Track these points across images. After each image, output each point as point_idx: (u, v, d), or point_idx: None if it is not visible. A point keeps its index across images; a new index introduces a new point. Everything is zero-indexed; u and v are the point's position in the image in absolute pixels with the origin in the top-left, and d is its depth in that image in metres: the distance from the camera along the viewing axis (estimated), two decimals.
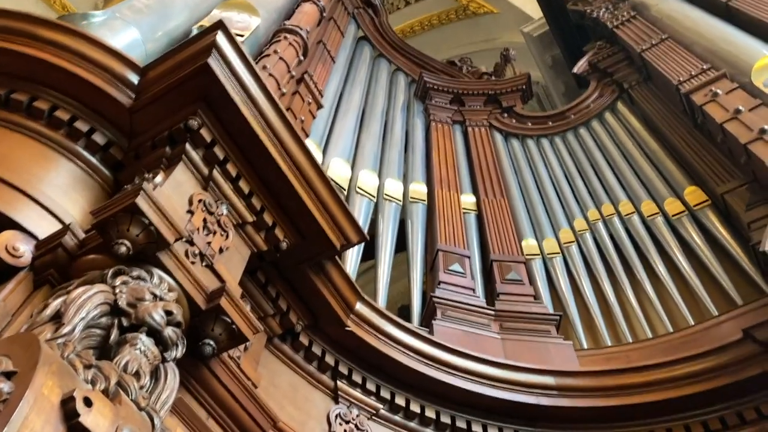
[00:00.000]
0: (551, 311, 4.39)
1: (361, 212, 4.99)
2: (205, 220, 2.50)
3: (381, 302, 4.07)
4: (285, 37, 4.92)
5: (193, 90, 2.61)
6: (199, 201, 2.52)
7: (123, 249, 2.03)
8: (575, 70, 7.59)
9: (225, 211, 2.64)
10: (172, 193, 2.38)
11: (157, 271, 2.14)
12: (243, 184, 2.73)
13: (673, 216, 4.97)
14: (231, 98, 2.61)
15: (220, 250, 2.51)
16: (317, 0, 6.19)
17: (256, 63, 4.40)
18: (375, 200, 5.28)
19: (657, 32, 6.56)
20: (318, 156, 5.14)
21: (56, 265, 2.13)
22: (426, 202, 5.61)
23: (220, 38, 2.62)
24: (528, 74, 7.84)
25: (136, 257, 2.11)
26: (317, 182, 2.90)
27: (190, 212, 2.44)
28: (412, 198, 5.62)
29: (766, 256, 3.12)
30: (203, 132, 2.60)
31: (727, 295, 4.18)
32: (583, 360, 3.92)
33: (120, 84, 2.67)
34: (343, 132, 5.78)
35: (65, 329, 1.75)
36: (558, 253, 5.10)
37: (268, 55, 4.55)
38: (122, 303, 1.92)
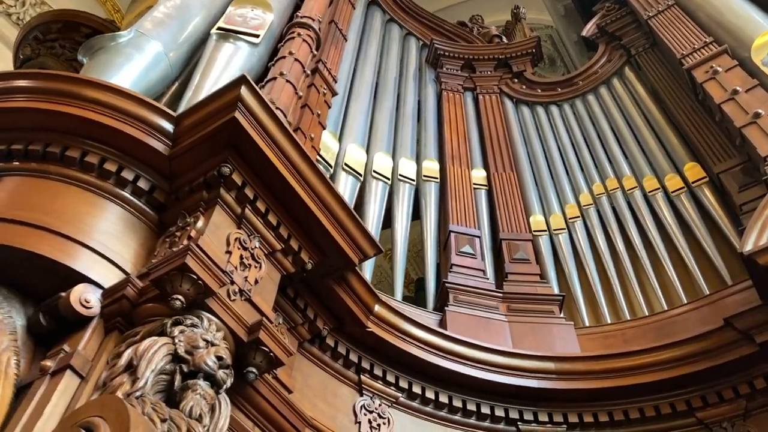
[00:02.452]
0: (556, 291, 4.77)
1: (377, 197, 5.33)
2: (241, 257, 2.87)
3: (398, 295, 4.47)
4: (298, 34, 5.08)
5: (223, 139, 2.94)
6: (235, 239, 2.89)
7: (178, 303, 2.42)
8: (583, 33, 7.69)
9: (257, 244, 3.01)
10: (212, 238, 2.76)
11: (205, 315, 2.53)
12: (271, 217, 3.09)
13: (672, 192, 5.24)
14: (257, 145, 2.94)
15: (256, 282, 2.90)
16: None
17: (273, 64, 4.67)
18: (390, 183, 5.60)
19: None
20: (335, 145, 5.44)
21: (121, 314, 2.53)
22: (438, 181, 5.93)
23: (244, 92, 2.93)
24: (538, 37, 7.95)
25: (189, 305, 2.50)
26: (336, 208, 3.25)
27: (229, 252, 2.82)
28: (425, 177, 5.93)
29: (749, 260, 3.41)
30: (234, 176, 2.94)
31: (719, 274, 4.51)
32: (583, 339, 4.32)
33: (158, 134, 3.00)
34: (357, 114, 6.03)
35: (140, 383, 2.16)
36: (564, 229, 5.43)
37: (283, 57, 4.74)
38: (181, 351, 2.33)
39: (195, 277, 2.47)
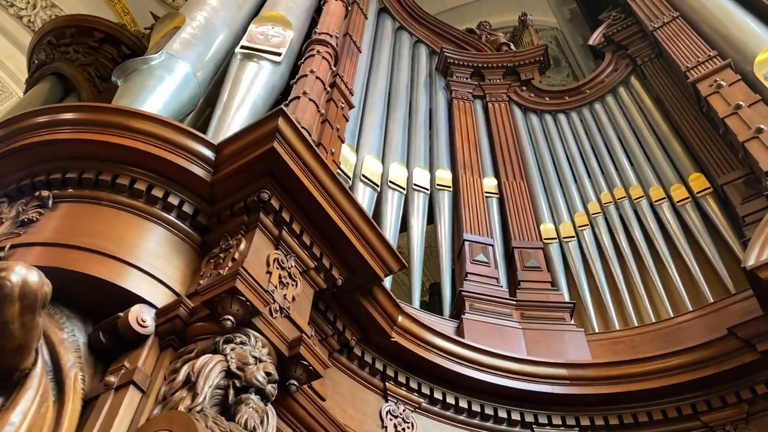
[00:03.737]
0: (566, 298, 5.00)
1: (393, 207, 5.56)
2: (279, 276, 3.10)
3: (416, 303, 4.71)
4: (318, 51, 5.29)
5: (262, 167, 3.16)
6: (274, 260, 3.12)
7: (229, 324, 2.65)
8: (590, 42, 7.88)
9: (293, 263, 3.24)
10: (255, 260, 2.98)
11: (252, 333, 2.76)
12: (305, 238, 3.31)
13: (678, 202, 5.45)
14: (294, 173, 3.17)
15: (293, 299, 3.13)
16: None
17: (295, 82, 4.88)
18: (405, 192, 5.82)
19: (668, 8, 6.83)
20: (352, 157, 5.67)
21: (175, 332, 2.76)
22: (451, 189, 6.15)
23: (282, 124, 3.15)
24: (545, 45, 8.15)
25: (237, 324, 2.73)
26: (365, 228, 3.48)
27: (269, 273, 3.04)
28: (438, 185, 6.15)
29: (751, 274, 3.63)
30: (273, 201, 3.17)
31: (723, 283, 4.73)
32: (593, 345, 4.55)
33: (201, 162, 3.22)
34: (372, 126, 6.25)
35: (200, 398, 2.39)
36: (573, 237, 5.65)
37: (305, 75, 4.92)
38: (233, 368, 2.56)
39: (243, 299, 2.70)
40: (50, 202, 3.05)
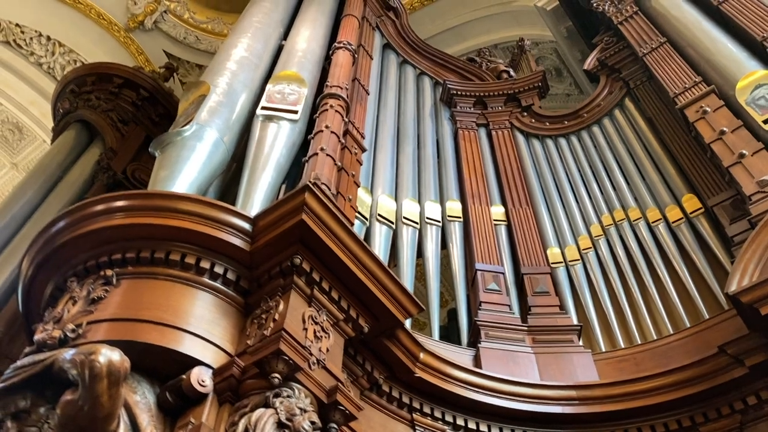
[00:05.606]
0: (574, 320, 5.41)
1: (408, 242, 6.01)
2: (314, 331, 3.57)
3: (435, 335, 5.15)
4: (331, 105, 5.75)
5: (293, 236, 3.64)
6: (309, 317, 3.59)
7: (276, 381, 3.13)
8: (585, 67, 8.29)
9: (325, 317, 3.71)
10: (293, 320, 3.45)
11: (296, 386, 3.23)
12: (334, 293, 3.78)
13: (673, 223, 5.84)
14: (322, 240, 3.64)
15: (327, 350, 3.59)
16: (348, 44, 7.00)
17: (312, 137, 5.35)
18: (419, 227, 6.27)
19: (656, 34, 7.23)
20: (368, 198, 6.12)
21: (230, 389, 3.23)
22: (462, 219, 6.59)
23: (308, 198, 3.62)
24: (543, 71, 8.56)
25: (283, 379, 3.20)
26: (386, 280, 3.94)
27: (305, 329, 3.51)
28: (449, 217, 6.58)
29: (734, 299, 4.04)
30: (304, 265, 3.64)
31: (718, 301, 5.13)
32: (600, 364, 4.96)
33: (240, 234, 3.71)
34: (384, 165, 6.69)
35: None
36: (578, 260, 6.06)
37: (321, 131, 5.36)
38: (283, 419, 3.03)
39: (287, 358, 3.17)
40: (114, 279, 3.54)
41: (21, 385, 3.03)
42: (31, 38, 13.75)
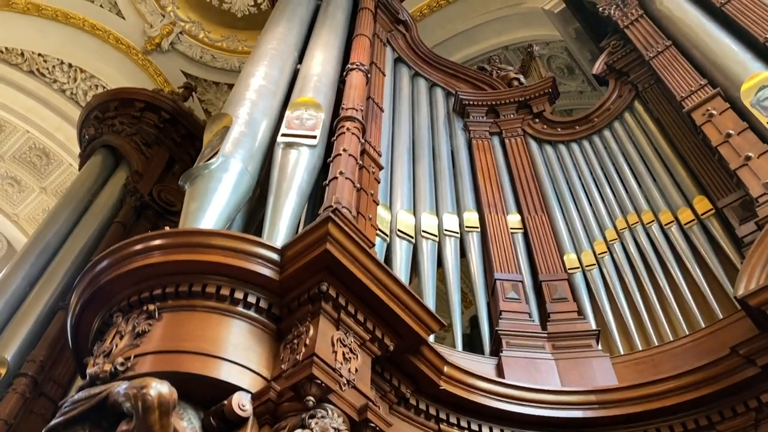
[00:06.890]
0: (593, 325, 5.59)
1: (428, 255, 6.23)
2: (344, 353, 3.82)
3: (459, 346, 5.37)
4: (347, 128, 5.96)
5: (319, 264, 3.89)
6: (337, 339, 3.84)
7: (311, 403, 3.38)
8: (593, 71, 8.44)
9: (352, 339, 3.95)
10: (323, 344, 3.70)
11: (329, 407, 3.48)
12: (359, 316, 4.03)
13: (685, 224, 5.99)
14: (346, 266, 3.89)
15: (356, 370, 3.84)
16: (360, 64, 7.21)
17: (331, 161, 5.58)
18: (438, 239, 6.48)
19: (662, 37, 7.36)
20: (387, 215, 6.35)
21: (268, 412, 3.49)
22: (479, 229, 6.79)
23: (331, 228, 3.87)
24: (553, 78, 8.71)
25: (317, 401, 3.45)
26: (408, 301, 4.17)
27: (335, 352, 3.76)
28: (467, 227, 6.77)
29: (742, 302, 4.21)
30: (330, 291, 3.89)
31: (731, 301, 5.27)
32: (618, 367, 5.15)
33: (270, 264, 3.97)
34: (401, 180, 6.89)
35: None
36: (594, 264, 6.23)
37: (339, 155, 5.59)
38: None
39: (320, 381, 3.42)
40: (156, 313, 3.82)
41: (79, 418, 3.32)
42: (54, 66, 14.20)
